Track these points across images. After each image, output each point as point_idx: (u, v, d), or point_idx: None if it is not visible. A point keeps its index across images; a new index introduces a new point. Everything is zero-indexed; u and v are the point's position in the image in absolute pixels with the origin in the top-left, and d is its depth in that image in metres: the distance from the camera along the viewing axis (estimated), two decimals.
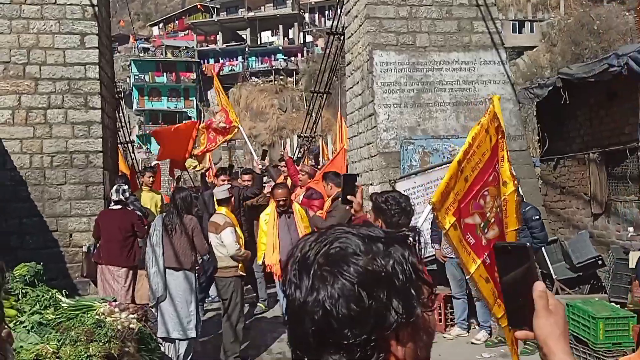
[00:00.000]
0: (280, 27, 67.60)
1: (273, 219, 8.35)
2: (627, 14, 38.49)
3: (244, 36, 69.01)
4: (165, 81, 66.02)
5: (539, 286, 1.47)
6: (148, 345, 7.17)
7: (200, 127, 13.99)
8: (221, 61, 67.07)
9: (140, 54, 67.20)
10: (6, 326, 2.03)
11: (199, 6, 71.65)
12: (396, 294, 1.29)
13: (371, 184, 11.60)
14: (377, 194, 4.69)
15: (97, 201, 11.33)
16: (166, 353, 8.01)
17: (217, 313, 10.51)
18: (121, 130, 16.47)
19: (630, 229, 11.66)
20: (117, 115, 14.99)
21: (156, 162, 17.73)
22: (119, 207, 9.39)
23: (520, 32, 50.55)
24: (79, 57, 11.52)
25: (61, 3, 11.52)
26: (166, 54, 67.84)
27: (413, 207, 4.72)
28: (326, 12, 65.31)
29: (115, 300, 7.55)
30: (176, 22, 74.81)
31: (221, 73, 64.00)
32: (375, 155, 11.74)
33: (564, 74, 12.21)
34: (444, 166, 10.70)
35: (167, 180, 26.24)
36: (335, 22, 16.18)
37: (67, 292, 7.13)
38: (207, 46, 70.10)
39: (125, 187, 9.59)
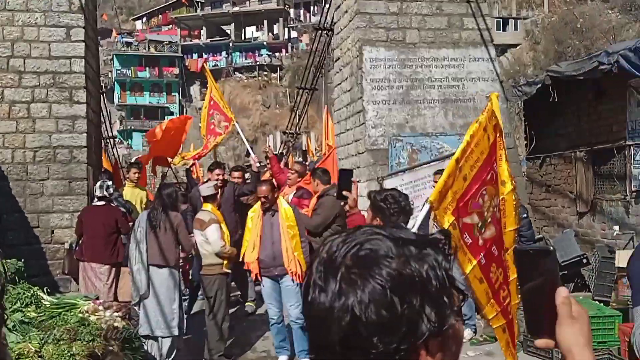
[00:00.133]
0: (265, 22, 67.45)
1: (257, 216, 8.23)
2: (610, 12, 38.64)
3: (228, 31, 68.76)
4: (147, 76, 65.78)
5: (562, 292, 1.39)
6: (132, 344, 7.08)
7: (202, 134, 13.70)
8: (205, 56, 66.79)
9: (123, 48, 66.77)
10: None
11: (183, 0, 71.26)
12: (429, 301, 1.20)
13: (359, 181, 11.50)
14: (376, 192, 4.57)
15: (80, 197, 11.16)
16: (149, 351, 7.90)
17: (201, 310, 10.43)
18: (103, 124, 16.28)
19: (616, 227, 11.70)
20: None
21: (136, 158, 17.60)
22: (102, 203, 9.28)
23: (504, 30, 50.65)
24: (64, 51, 11.31)
25: None
26: (149, 48, 67.48)
27: (412, 207, 4.62)
28: (311, 7, 65.29)
29: (98, 298, 7.44)
30: (160, 16, 74.36)
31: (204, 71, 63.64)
32: (363, 152, 11.65)
33: (552, 72, 12.18)
34: (432, 164, 10.67)
35: (149, 176, 26.04)
36: (322, 18, 16.05)
37: (48, 290, 7.02)
38: (191, 41, 69.83)
39: (110, 183, 9.48)
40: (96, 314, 6.51)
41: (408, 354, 1.18)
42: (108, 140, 17.10)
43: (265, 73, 64.29)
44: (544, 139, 13.90)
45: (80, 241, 9.45)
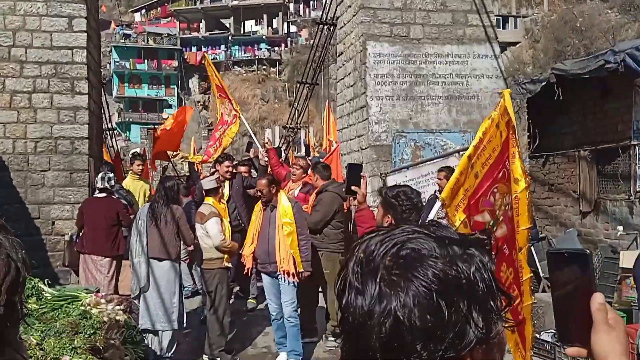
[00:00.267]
0: (265, 16, 67.19)
1: (259, 210, 8.19)
2: (609, 12, 38.61)
3: (227, 25, 68.48)
4: (146, 68, 65.47)
5: (597, 298, 1.30)
6: (133, 338, 7.04)
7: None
8: (204, 49, 66.42)
9: (122, 40, 66.49)
10: None
11: None
12: (477, 306, 1.11)
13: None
14: (388, 189, 4.50)
15: (82, 189, 11.09)
16: (149, 345, 7.85)
17: (200, 305, 10.39)
18: (103, 116, 16.22)
19: (620, 228, 11.65)
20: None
21: (135, 150, 17.50)
22: (104, 195, 9.24)
23: (504, 28, 50.52)
24: (66, 41, 11.20)
25: None
26: (148, 40, 67.19)
27: (423, 203, 4.55)
28: (311, 2, 65.13)
29: (98, 291, 7.40)
30: (159, 8, 73.98)
31: (203, 61, 63.47)
32: (366, 148, 11.60)
33: (558, 70, 12.11)
34: (435, 161, 10.61)
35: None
36: (324, 12, 15.96)
37: (49, 282, 6.95)
38: (190, 34, 69.52)
39: (111, 174, 9.44)
40: (98, 307, 6.46)
41: None
42: (107, 132, 17.03)
43: (264, 67, 64.04)
44: (548, 137, 13.84)
45: (80, 233, 9.40)
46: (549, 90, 12.38)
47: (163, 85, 66.22)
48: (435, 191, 8.93)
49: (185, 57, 66.88)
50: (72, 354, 5.52)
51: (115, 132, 23.59)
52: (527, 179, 4.60)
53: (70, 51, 11.22)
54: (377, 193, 10.65)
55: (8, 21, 11.09)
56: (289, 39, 65.77)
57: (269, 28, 67.45)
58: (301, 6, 67.47)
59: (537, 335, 7.69)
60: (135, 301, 8.06)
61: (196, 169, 14.02)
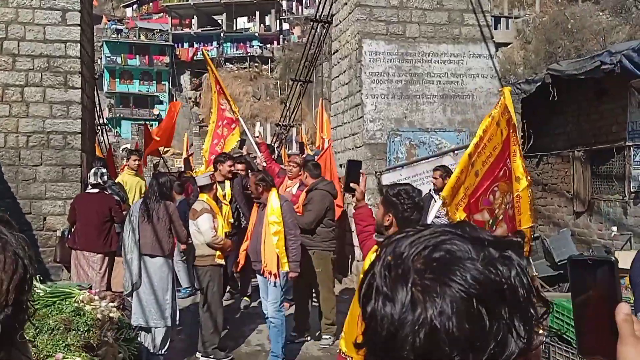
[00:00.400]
0: (257, 13, 67.09)
1: (254, 208, 8.16)
2: (600, 14, 38.73)
3: (219, 21, 68.33)
4: (137, 64, 65.26)
5: (624, 308, 1.16)
6: (126, 335, 6.98)
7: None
8: (196, 46, 66.36)
9: (113, 36, 66.23)
10: None
11: None
12: (518, 313, 1.02)
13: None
14: (389, 187, 4.44)
15: (74, 184, 10.99)
16: (142, 342, 7.79)
17: (193, 303, 10.34)
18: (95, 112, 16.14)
19: (614, 228, 11.66)
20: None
21: (125, 146, 17.43)
22: (96, 190, 9.17)
23: (495, 28, 50.62)
24: (59, 34, 11.09)
25: None
26: (139, 36, 66.93)
27: (424, 202, 4.51)
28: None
29: (91, 288, 7.33)
30: (150, 4, 73.76)
31: (195, 58, 63.46)
32: (360, 146, 11.56)
33: (553, 70, 12.12)
34: (430, 160, 10.60)
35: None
36: (318, 9, 15.90)
37: (41, 278, 6.87)
38: (182, 30, 69.37)
39: (104, 170, 9.37)
40: (92, 303, 6.39)
41: None
42: (99, 128, 16.94)
43: (256, 64, 63.95)
44: (542, 137, 13.85)
45: (72, 229, 9.32)
46: (543, 91, 12.39)
47: (154, 81, 66.02)
48: (430, 190, 8.89)
49: (177, 53, 66.71)
50: (66, 352, 5.45)
51: (106, 127, 23.48)
52: (529, 178, 4.57)
53: (64, 45, 11.11)
54: (371, 191, 10.68)
55: (0, 13, 10.96)
56: (281, 36, 65.69)
57: (262, 25, 67.38)
58: (294, 4, 67.45)
59: None
60: (128, 298, 7.99)
61: (191, 165, 13.97)
